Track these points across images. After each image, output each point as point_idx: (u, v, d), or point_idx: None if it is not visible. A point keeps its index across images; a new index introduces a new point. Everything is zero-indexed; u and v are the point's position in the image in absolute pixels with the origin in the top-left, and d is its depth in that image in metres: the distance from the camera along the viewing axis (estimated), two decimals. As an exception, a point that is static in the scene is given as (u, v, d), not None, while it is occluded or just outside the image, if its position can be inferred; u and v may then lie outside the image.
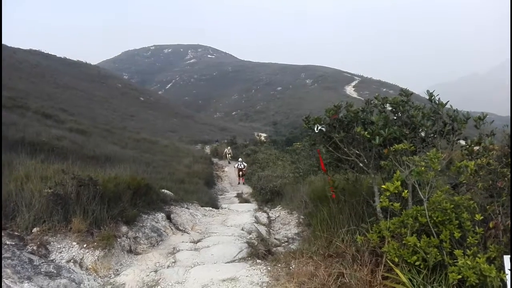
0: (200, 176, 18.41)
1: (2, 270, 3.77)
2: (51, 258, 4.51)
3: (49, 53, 76.31)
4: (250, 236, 6.56)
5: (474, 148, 4.35)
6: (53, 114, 21.56)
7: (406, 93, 4.84)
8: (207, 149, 38.24)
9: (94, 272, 4.57)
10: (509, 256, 2.93)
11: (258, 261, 5.08)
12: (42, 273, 4.11)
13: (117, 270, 4.78)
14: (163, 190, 8.55)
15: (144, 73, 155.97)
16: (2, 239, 4.46)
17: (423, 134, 4.73)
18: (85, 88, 53.21)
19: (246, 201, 14.40)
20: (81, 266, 4.55)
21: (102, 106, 46.31)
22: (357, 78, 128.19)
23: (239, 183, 20.65)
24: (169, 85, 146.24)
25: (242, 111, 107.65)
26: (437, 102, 4.53)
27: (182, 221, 7.35)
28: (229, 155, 29.10)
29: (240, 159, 21.34)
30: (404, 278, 3.29)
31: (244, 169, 20.34)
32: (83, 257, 4.68)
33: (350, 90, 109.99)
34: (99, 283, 4.42)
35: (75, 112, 29.56)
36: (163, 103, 76.18)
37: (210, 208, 9.62)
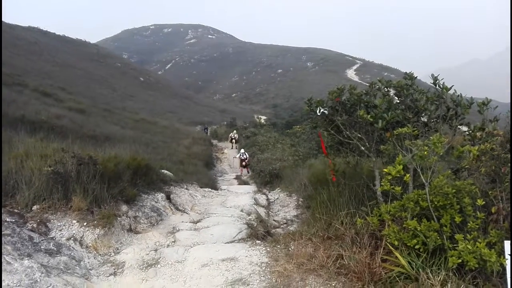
0: (199, 157, 18.42)
1: (2, 246, 3.78)
2: (51, 236, 4.52)
3: (48, 30, 75.36)
4: (250, 217, 6.59)
5: (477, 133, 4.33)
6: (52, 93, 21.43)
7: (410, 77, 4.77)
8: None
9: (94, 250, 4.59)
10: (509, 241, 2.94)
11: (257, 242, 5.10)
12: (42, 251, 4.12)
13: (117, 249, 4.80)
14: (162, 171, 8.55)
15: (143, 52, 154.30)
16: (2, 216, 4.46)
17: (425, 119, 4.70)
18: (84, 67, 52.75)
19: (245, 183, 14.47)
20: (81, 244, 4.57)
21: (101, 85, 46.00)
22: (358, 61, 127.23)
23: (241, 174, 18.86)
24: (169, 65, 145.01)
25: (242, 93, 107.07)
26: (441, 86, 4.48)
27: (181, 201, 7.37)
28: (234, 140, 27.95)
29: (242, 150, 20.45)
30: (403, 261, 3.31)
31: (246, 160, 19.49)
32: (83, 235, 4.69)
33: (351, 73, 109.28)
34: (99, 261, 4.45)
35: (74, 91, 29.38)
36: (162, 83, 75.64)
37: (210, 189, 9.64)
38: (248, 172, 19.05)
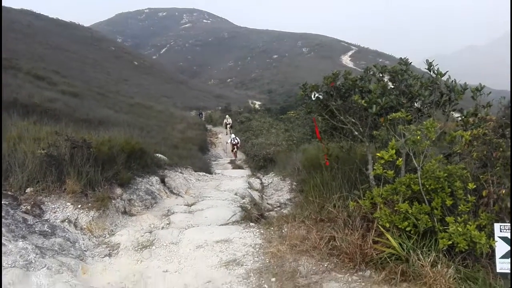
0: (194, 142, 18.37)
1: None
2: (46, 218, 4.54)
3: (41, 13, 73.94)
4: (244, 200, 6.63)
5: (470, 119, 4.37)
6: (45, 76, 21.12)
7: (405, 62, 4.78)
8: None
9: (89, 232, 4.62)
10: (499, 223, 3.00)
11: (251, 224, 5.16)
12: (37, 232, 4.14)
13: (112, 231, 4.83)
14: (157, 155, 8.55)
15: (138, 36, 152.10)
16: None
17: (419, 104, 4.73)
18: (78, 50, 51.98)
19: (239, 167, 14.51)
20: (75, 226, 4.59)
21: (95, 69, 45.42)
22: (354, 47, 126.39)
23: (235, 159, 18.90)
24: (163, 50, 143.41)
25: (237, 79, 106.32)
26: (435, 72, 4.50)
27: (176, 185, 7.40)
28: (229, 125, 27.25)
29: (233, 135, 20.48)
30: (394, 243, 3.37)
31: (238, 145, 19.68)
32: (77, 217, 4.71)
33: (346, 59, 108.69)
34: (94, 242, 4.48)
35: (68, 74, 28.98)
36: (157, 68, 74.81)
37: (204, 173, 9.68)
38: (235, 155, 19.19)
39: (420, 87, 4.50)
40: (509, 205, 3.14)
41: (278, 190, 8.27)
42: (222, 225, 5.21)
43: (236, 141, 19.62)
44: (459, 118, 4.52)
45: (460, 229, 3.13)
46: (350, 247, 3.60)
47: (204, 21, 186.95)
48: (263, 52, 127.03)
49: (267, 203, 7.10)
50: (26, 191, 4.85)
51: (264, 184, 9.14)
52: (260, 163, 13.82)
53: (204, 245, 4.34)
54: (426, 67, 4.55)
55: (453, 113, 4.75)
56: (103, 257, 4.15)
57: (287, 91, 69.64)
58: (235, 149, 19.66)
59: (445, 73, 4.50)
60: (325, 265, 3.62)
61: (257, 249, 4.17)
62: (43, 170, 5.09)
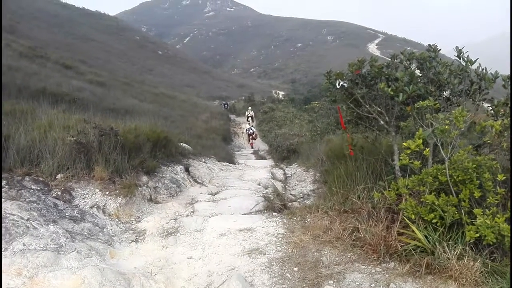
0: (217, 132, 18.54)
1: (29, 212, 3.95)
2: (75, 204, 4.69)
3: (67, 2, 75.69)
4: (267, 190, 6.66)
5: (500, 109, 4.23)
6: (73, 65, 21.68)
7: (434, 49, 4.64)
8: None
9: (117, 218, 4.75)
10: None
11: (274, 214, 5.18)
12: (67, 217, 4.29)
13: (138, 217, 4.95)
14: (181, 144, 8.67)
15: (162, 26, 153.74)
16: (28, 183, 4.64)
17: (448, 93, 4.59)
18: (104, 40, 53.03)
19: (262, 158, 14.53)
20: (104, 212, 4.73)
21: (120, 58, 46.26)
22: (381, 35, 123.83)
23: (252, 147, 19.33)
24: (187, 39, 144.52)
25: (261, 68, 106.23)
26: (465, 59, 4.35)
27: (200, 174, 7.48)
28: (251, 118, 25.77)
29: (247, 126, 20.68)
30: (419, 235, 3.32)
31: (253, 135, 19.84)
32: (105, 203, 4.85)
33: (373, 48, 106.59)
34: (121, 228, 4.60)
35: (94, 64, 29.65)
36: (181, 57, 75.56)
37: (227, 163, 9.75)
38: (251, 146, 19.45)
39: (449, 75, 4.36)
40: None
41: (301, 181, 8.25)
42: (245, 214, 5.25)
43: (251, 131, 19.83)
44: (490, 108, 4.37)
45: (488, 221, 3.05)
46: (374, 238, 3.56)
47: (228, 9, 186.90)
48: (287, 41, 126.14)
49: (290, 194, 7.10)
50: (57, 177, 5.02)
51: (287, 175, 9.13)
52: (283, 154, 13.76)
53: (227, 233, 4.39)
54: (456, 54, 4.41)
55: (483, 103, 4.60)
56: (130, 243, 4.26)
57: (311, 81, 69.13)
58: (251, 139, 19.88)
59: (475, 61, 4.35)
60: (348, 256, 3.61)
61: (280, 239, 4.19)
62: (73, 157, 5.25)
